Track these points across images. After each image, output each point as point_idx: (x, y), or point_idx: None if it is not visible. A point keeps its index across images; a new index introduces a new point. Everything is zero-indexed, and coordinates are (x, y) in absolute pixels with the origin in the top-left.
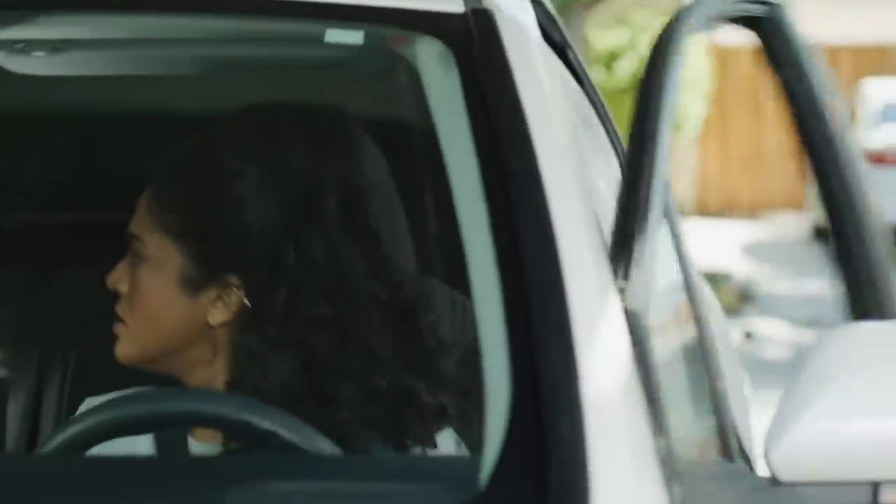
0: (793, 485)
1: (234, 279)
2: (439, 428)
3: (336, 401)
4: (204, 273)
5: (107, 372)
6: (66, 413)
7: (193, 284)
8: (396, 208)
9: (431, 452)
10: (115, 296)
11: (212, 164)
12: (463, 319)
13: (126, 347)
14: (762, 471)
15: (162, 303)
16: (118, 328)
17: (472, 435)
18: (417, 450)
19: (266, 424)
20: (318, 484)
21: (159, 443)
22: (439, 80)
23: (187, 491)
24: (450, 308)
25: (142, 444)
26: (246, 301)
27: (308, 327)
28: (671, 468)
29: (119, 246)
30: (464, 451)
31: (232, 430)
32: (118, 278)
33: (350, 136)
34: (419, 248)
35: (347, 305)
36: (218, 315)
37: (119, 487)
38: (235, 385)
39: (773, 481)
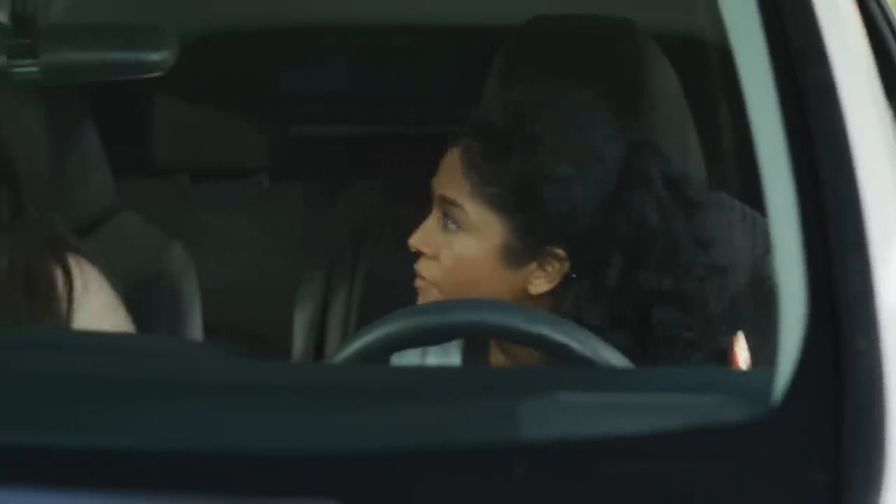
0: None
1: (560, 251)
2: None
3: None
4: (529, 245)
5: (393, 285)
6: (354, 326)
7: (516, 256)
8: (687, 123)
9: (722, 366)
10: (417, 254)
11: (533, 143)
12: (752, 234)
13: None
14: None
15: (480, 271)
16: (424, 287)
17: (765, 350)
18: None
19: (558, 337)
20: (609, 396)
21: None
22: None
23: (474, 400)
24: (740, 222)
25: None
26: (572, 273)
27: (650, 300)
28: None
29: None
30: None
31: (522, 343)
32: (426, 240)
33: (640, 49)
34: (710, 162)
35: (684, 274)
36: (540, 285)
37: (408, 395)
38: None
39: None
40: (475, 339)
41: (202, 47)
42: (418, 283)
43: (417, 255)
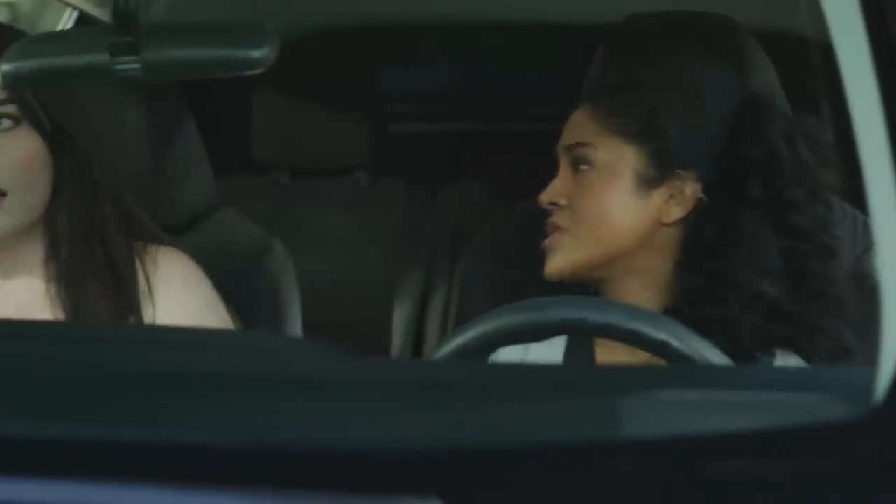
0: None
1: (690, 174)
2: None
3: (772, 298)
4: (660, 171)
5: (492, 283)
6: (452, 323)
7: (649, 183)
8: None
9: (822, 365)
10: (547, 211)
11: (661, 68)
12: (854, 232)
13: (567, 257)
14: None
15: (617, 206)
16: (555, 240)
17: (867, 348)
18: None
19: (658, 334)
20: (711, 394)
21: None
22: None
23: (574, 398)
24: (841, 220)
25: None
26: (703, 196)
27: (786, 212)
28: None
29: (500, 159)
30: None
31: (621, 341)
32: (557, 192)
33: (740, 45)
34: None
35: (813, 197)
36: (674, 213)
37: (508, 392)
38: (684, 284)
39: None
40: (578, 336)
41: (303, 45)
42: (548, 242)
43: (548, 212)
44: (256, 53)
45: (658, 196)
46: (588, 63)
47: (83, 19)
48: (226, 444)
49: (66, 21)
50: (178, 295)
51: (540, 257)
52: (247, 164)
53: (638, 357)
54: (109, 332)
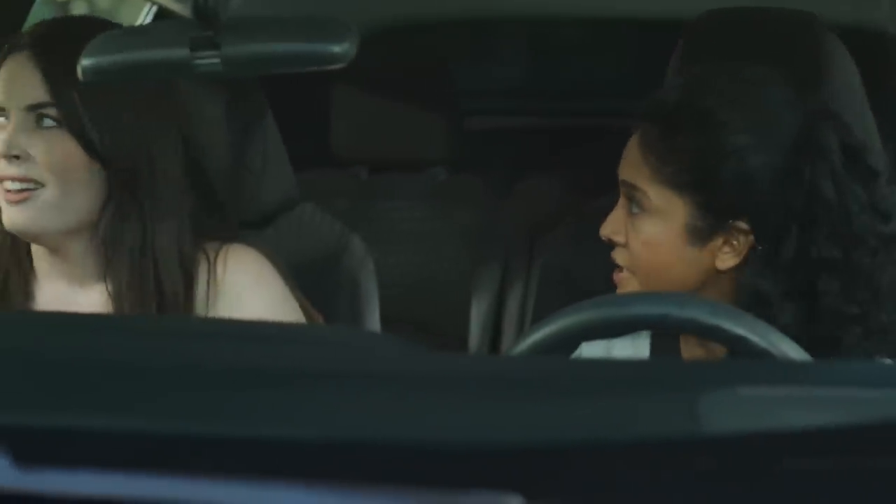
0: None
1: (742, 224)
2: None
3: (838, 344)
4: (711, 221)
5: (569, 278)
6: (530, 319)
7: (701, 233)
8: (867, 116)
9: None
10: (609, 244)
11: (705, 117)
12: None
13: None
14: None
15: (670, 253)
16: (620, 277)
17: None
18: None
19: (737, 329)
20: (791, 390)
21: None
22: None
23: (654, 393)
24: None
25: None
26: (758, 245)
27: (819, 271)
28: None
29: (576, 154)
30: None
31: (703, 335)
32: (615, 229)
33: (819, 41)
34: (891, 155)
35: (855, 245)
36: (727, 260)
37: (589, 388)
38: None
39: None
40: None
41: (380, 40)
42: (616, 276)
43: (611, 246)
44: (337, 48)
45: (713, 244)
46: (665, 57)
47: (162, 14)
48: (303, 439)
49: (145, 16)
50: (246, 294)
51: None
52: (325, 160)
53: (717, 354)
54: (183, 325)
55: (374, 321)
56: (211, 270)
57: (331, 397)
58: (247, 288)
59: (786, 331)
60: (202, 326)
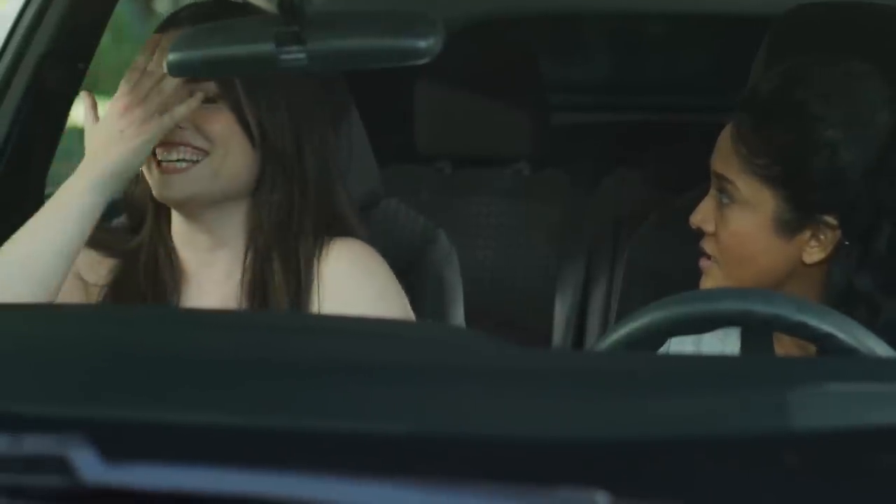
0: None
1: (830, 219)
2: None
3: None
4: (799, 214)
5: (654, 274)
6: (614, 315)
7: (788, 226)
8: None
9: None
10: (698, 232)
11: (799, 110)
12: None
13: (717, 285)
14: None
15: (756, 244)
16: (706, 265)
17: None
18: None
19: (823, 326)
20: (880, 386)
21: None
22: None
23: (741, 390)
24: None
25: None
26: (845, 241)
27: None
28: None
29: (661, 150)
30: None
31: (788, 332)
32: (704, 218)
33: None
34: None
35: None
36: (814, 254)
37: (675, 384)
38: None
39: None
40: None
41: (465, 35)
42: (702, 263)
43: (700, 235)
44: (423, 43)
45: (800, 237)
46: (751, 54)
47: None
48: (394, 434)
49: None
50: (351, 286)
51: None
52: (410, 154)
53: (809, 351)
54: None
55: (458, 316)
56: (317, 262)
57: (421, 392)
58: (350, 282)
59: (892, 326)
60: (298, 322)
